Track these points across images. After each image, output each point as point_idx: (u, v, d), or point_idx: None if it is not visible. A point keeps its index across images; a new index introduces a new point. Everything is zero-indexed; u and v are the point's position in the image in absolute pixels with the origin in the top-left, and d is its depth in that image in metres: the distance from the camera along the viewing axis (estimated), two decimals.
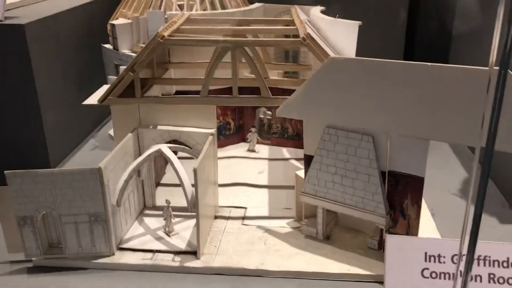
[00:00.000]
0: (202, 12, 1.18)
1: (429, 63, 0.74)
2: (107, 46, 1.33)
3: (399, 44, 1.69)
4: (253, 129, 1.29)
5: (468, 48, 1.47)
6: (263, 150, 1.32)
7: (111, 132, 1.45)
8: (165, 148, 0.89)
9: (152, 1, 1.24)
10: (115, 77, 1.09)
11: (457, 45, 1.55)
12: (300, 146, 1.32)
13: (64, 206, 0.83)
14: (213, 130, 0.96)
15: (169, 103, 0.93)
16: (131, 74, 0.90)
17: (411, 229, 0.83)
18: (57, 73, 1.28)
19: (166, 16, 1.15)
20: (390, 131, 0.80)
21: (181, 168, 0.86)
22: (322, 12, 1.22)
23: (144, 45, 1.20)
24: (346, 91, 0.81)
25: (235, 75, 0.90)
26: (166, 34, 0.89)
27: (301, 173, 0.95)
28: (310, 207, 0.93)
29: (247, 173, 1.18)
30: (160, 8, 1.26)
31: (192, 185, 0.84)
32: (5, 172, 0.80)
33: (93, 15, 1.49)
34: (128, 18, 1.27)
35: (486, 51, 0.48)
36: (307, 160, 0.90)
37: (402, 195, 0.83)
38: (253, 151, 1.30)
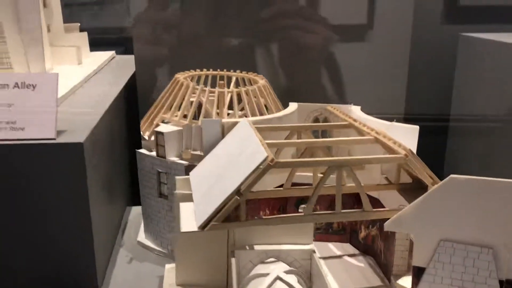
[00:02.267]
0: (257, 118, 1.18)
1: None
2: (144, 151, 1.28)
3: (399, 103, 1.79)
4: None
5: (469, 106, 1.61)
6: None
7: (140, 239, 1.37)
8: (283, 274, 0.86)
9: (202, 107, 1.23)
10: (173, 190, 1.05)
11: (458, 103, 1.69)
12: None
13: None
14: (312, 246, 0.95)
15: (277, 224, 0.91)
16: (238, 198, 0.87)
17: None
18: (98, 184, 1.20)
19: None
20: (510, 244, 0.84)
21: None
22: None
23: (195, 152, 1.18)
24: (465, 207, 0.85)
25: (339, 192, 0.91)
26: (274, 156, 0.88)
27: (403, 282, 0.96)
28: None
29: None
30: (210, 114, 1.25)
31: None
32: None
33: (116, 115, 1.43)
34: (171, 124, 1.24)
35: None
36: (417, 272, 0.91)
37: None
38: None
